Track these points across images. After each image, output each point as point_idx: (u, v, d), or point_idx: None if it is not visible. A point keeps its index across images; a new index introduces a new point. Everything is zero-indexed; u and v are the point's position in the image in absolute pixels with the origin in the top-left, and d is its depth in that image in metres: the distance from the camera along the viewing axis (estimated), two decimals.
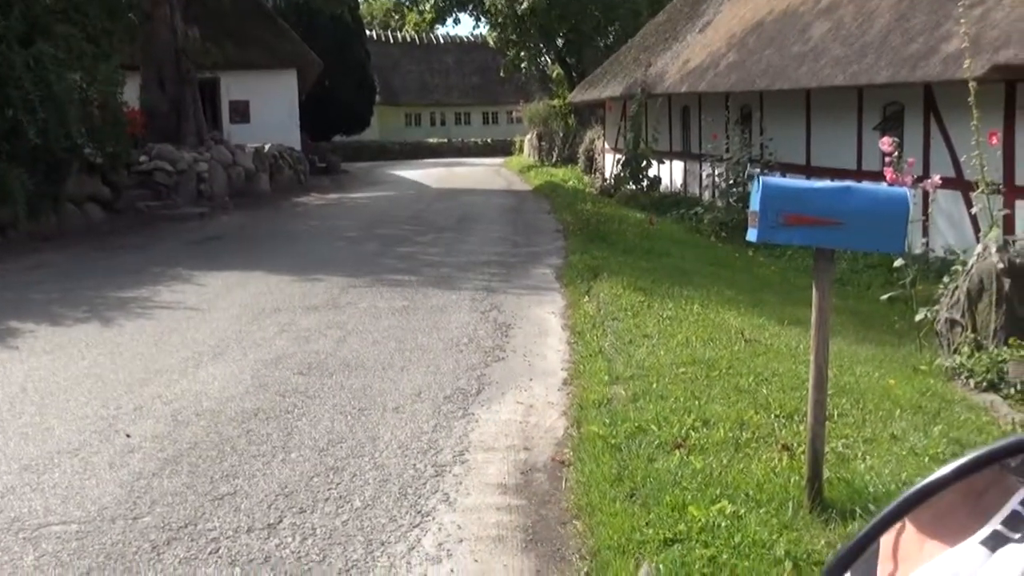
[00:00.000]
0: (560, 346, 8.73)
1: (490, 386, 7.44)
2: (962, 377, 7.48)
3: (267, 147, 25.82)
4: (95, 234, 17.42)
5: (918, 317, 8.29)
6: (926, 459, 5.34)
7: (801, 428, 5.64)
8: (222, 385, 7.42)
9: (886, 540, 1.00)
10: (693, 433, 5.76)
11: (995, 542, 0.91)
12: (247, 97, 29.75)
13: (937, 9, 13.19)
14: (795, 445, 5.46)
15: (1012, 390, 7.04)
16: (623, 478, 5.15)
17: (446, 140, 54.95)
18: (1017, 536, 0.91)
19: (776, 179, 4.60)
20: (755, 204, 4.46)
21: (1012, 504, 0.94)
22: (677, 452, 5.44)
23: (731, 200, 17.43)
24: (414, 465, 5.71)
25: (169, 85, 23.11)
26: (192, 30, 24.18)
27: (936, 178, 8.59)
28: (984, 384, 7.24)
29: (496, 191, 27.21)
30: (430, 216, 20.21)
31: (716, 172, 18.92)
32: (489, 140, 54.51)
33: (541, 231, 17.41)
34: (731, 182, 17.76)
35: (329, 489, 5.33)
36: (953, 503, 0.97)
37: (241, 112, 29.64)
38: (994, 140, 8.43)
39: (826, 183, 4.67)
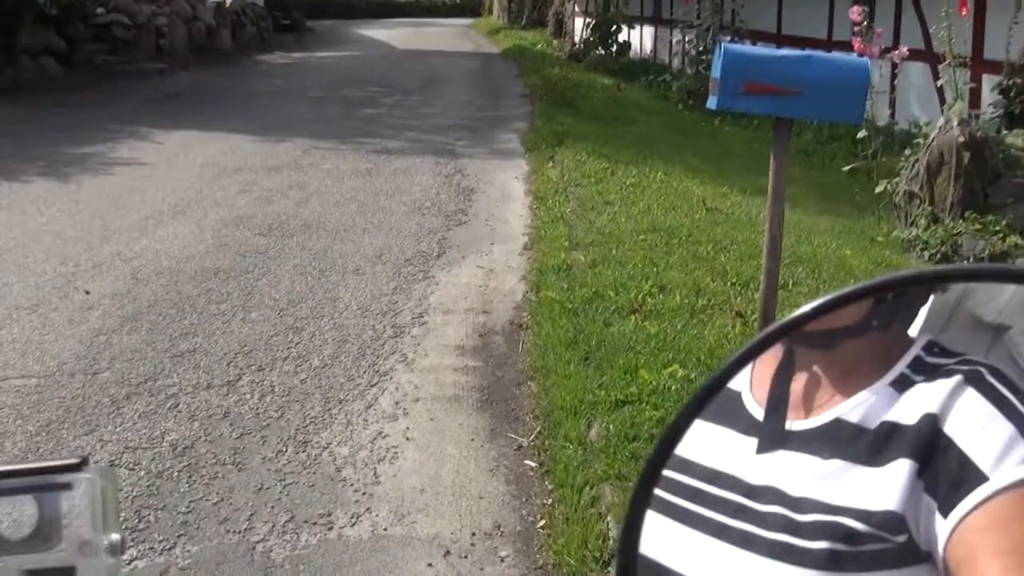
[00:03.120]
0: (523, 211, 8.74)
1: (451, 249, 7.47)
2: (917, 249, 7.60)
3: (229, 2, 25.09)
4: (51, 88, 16.99)
5: (878, 189, 8.36)
6: None
7: (756, 296, 5.72)
8: (182, 244, 7.40)
9: (796, 389, 1.04)
10: (649, 299, 5.84)
11: (903, 384, 0.98)
12: None
13: None
14: (748, 312, 5.56)
15: (965, 263, 7.17)
16: (578, 342, 5.24)
17: (415, 0, 53.59)
18: (921, 378, 0.98)
19: (738, 46, 4.56)
20: (716, 71, 4.43)
21: (914, 351, 1.02)
22: (632, 317, 5.53)
23: (700, 68, 17.22)
24: (373, 326, 5.77)
25: None
26: None
27: (903, 49, 8.54)
28: (939, 256, 7.37)
29: (464, 53, 26.76)
30: (396, 78, 19.88)
31: (686, 39, 18.66)
32: (459, 1, 53.24)
33: (507, 95, 17.20)
34: (700, 49, 17.54)
35: (288, 348, 5.39)
36: (860, 357, 1.03)
37: None
38: (963, 11, 8.37)
39: (787, 51, 4.64)
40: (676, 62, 20.39)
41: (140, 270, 6.73)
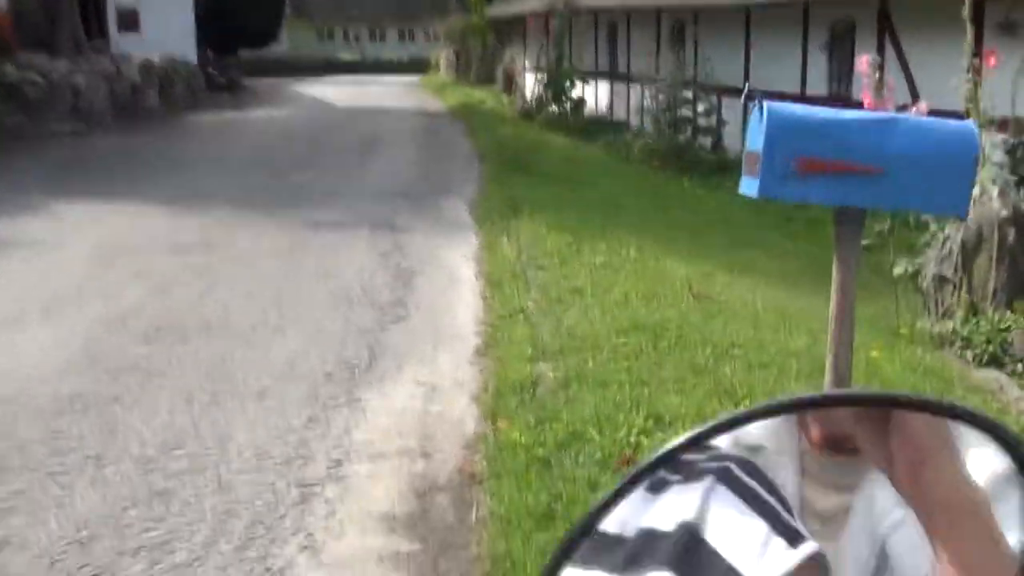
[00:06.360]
0: (473, 300, 7.30)
1: (384, 357, 5.97)
2: (955, 347, 6.23)
3: (157, 59, 23.58)
4: None
5: (897, 271, 6.99)
6: None
7: None
8: (39, 359, 5.80)
9: None
10: (645, 439, 4.37)
11: (659, 486, 0.91)
12: (135, 5, 27.28)
13: None
14: None
15: (1020, 366, 5.82)
16: (554, 516, 3.74)
17: (360, 57, 52.69)
18: (677, 478, 0.92)
19: (787, 106, 3.13)
20: (754, 142, 3.02)
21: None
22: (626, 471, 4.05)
23: (664, 126, 16.06)
24: (272, 485, 4.22)
25: None
26: None
27: (922, 105, 7.23)
28: (984, 357, 5.99)
29: (409, 111, 25.48)
30: (334, 138, 18.47)
31: (647, 94, 17.51)
32: (405, 58, 52.49)
33: (455, 157, 15.83)
34: (666, 106, 16.35)
35: (146, 530, 3.81)
36: None
37: (129, 21, 27.12)
38: (992, 61, 7.11)
39: (859, 113, 3.23)
40: (635, 119, 19.24)
41: None
